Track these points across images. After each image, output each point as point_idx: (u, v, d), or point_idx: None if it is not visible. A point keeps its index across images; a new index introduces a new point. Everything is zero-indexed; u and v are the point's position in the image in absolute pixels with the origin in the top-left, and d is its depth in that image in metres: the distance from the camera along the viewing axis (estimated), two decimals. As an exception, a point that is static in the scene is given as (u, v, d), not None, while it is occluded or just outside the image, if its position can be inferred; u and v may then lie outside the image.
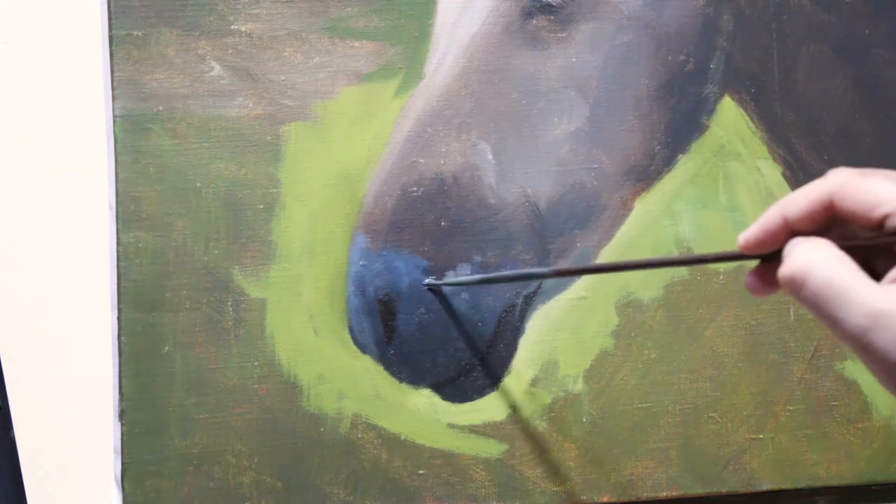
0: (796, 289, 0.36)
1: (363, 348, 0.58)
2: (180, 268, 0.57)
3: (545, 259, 0.60)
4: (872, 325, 0.34)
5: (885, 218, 0.36)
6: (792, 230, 0.38)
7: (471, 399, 0.59)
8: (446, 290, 0.59)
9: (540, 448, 0.60)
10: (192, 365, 0.57)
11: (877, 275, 0.37)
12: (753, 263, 0.41)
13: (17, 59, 0.59)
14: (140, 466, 0.56)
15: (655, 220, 0.61)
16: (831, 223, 0.38)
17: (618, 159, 0.61)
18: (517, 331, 0.60)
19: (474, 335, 0.59)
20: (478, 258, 0.59)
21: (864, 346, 0.35)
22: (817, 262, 0.36)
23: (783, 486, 0.62)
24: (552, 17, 0.60)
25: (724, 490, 0.61)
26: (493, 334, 0.60)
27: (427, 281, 0.59)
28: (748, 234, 0.39)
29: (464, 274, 0.59)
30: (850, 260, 0.36)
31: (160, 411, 0.56)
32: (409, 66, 0.59)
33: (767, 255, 0.40)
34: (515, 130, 0.60)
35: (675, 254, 0.61)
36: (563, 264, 0.60)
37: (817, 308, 0.36)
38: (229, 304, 0.57)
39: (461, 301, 0.59)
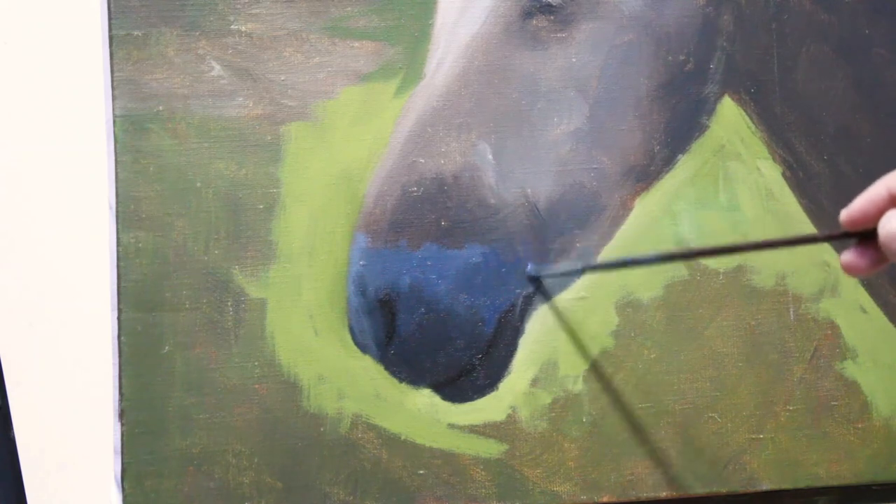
0: None
1: (363, 348, 0.58)
2: (180, 268, 0.57)
3: (545, 259, 0.60)
4: None
5: None
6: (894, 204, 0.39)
7: (471, 399, 0.59)
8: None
9: (540, 448, 0.60)
10: (192, 365, 0.57)
11: None
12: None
13: (17, 59, 0.59)
14: (140, 466, 0.56)
15: (655, 220, 0.61)
16: None
17: (618, 159, 0.61)
18: (517, 331, 0.60)
19: (474, 335, 0.59)
20: (477, 258, 0.59)
21: None
22: None
23: (783, 486, 0.62)
24: (552, 17, 0.60)
25: (724, 490, 0.61)
26: (493, 334, 0.60)
27: (529, 270, 0.58)
28: (852, 207, 0.41)
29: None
30: None
31: (160, 411, 0.56)
32: (409, 66, 0.59)
33: (863, 234, 0.40)
34: (515, 130, 0.60)
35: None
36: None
37: None
38: (229, 304, 0.57)
39: (460, 301, 0.59)
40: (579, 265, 0.59)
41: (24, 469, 0.58)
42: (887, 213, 0.39)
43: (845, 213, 0.41)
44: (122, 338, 0.56)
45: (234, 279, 0.57)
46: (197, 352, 0.57)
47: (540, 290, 0.59)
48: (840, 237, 0.42)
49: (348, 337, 0.58)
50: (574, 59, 0.61)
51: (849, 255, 0.41)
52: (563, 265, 0.59)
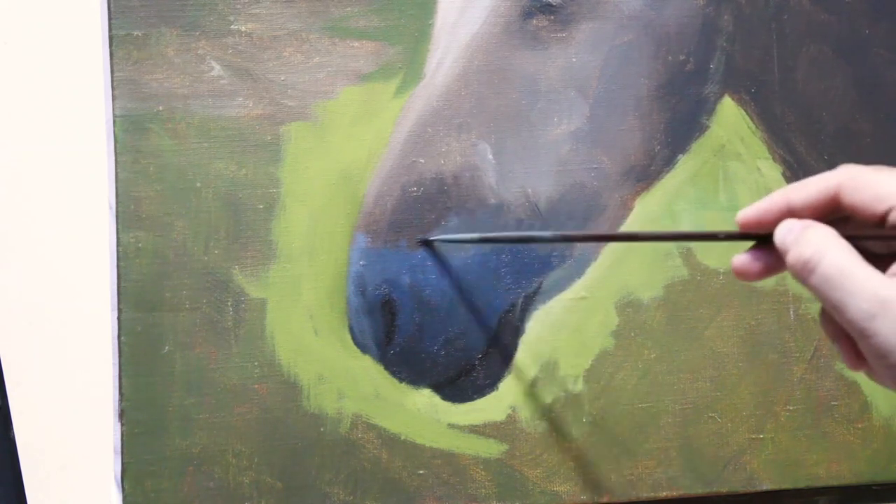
0: (807, 273, 0.38)
1: (363, 348, 0.58)
2: (180, 268, 0.57)
3: (546, 259, 0.60)
4: (879, 312, 0.36)
5: (889, 211, 0.37)
6: (792, 216, 0.40)
7: (471, 399, 0.59)
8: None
9: (540, 448, 0.60)
10: (192, 365, 0.57)
11: None
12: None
13: (17, 59, 0.59)
14: (140, 466, 0.56)
15: (655, 220, 0.61)
16: (831, 216, 0.39)
17: (618, 159, 0.61)
18: (517, 331, 0.60)
19: (474, 335, 0.59)
20: (477, 258, 0.59)
21: (867, 332, 0.36)
22: (829, 248, 0.37)
23: (783, 486, 0.62)
24: (552, 17, 0.60)
25: (724, 490, 0.61)
26: (493, 334, 0.60)
27: (421, 237, 0.58)
28: (748, 211, 0.41)
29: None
30: (854, 249, 0.37)
31: (160, 411, 0.56)
32: (409, 66, 0.59)
33: (761, 237, 0.40)
34: (515, 130, 0.60)
35: (675, 253, 0.61)
36: (572, 248, 0.60)
37: (825, 293, 0.37)
38: (229, 304, 0.57)
39: (462, 300, 0.59)
40: (476, 235, 0.58)
41: (24, 469, 0.58)
42: (784, 221, 0.39)
43: (741, 215, 0.41)
44: (122, 338, 0.56)
45: (234, 279, 0.57)
46: (197, 352, 0.57)
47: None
48: (739, 238, 0.41)
49: (348, 337, 0.58)
50: (574, 59, 0.61)
51: (741, 259, 0.41)
52: (460, 235, 0.59)
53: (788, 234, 0.39)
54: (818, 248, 0.37)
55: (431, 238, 0.58)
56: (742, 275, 0.41)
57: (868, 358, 0.37)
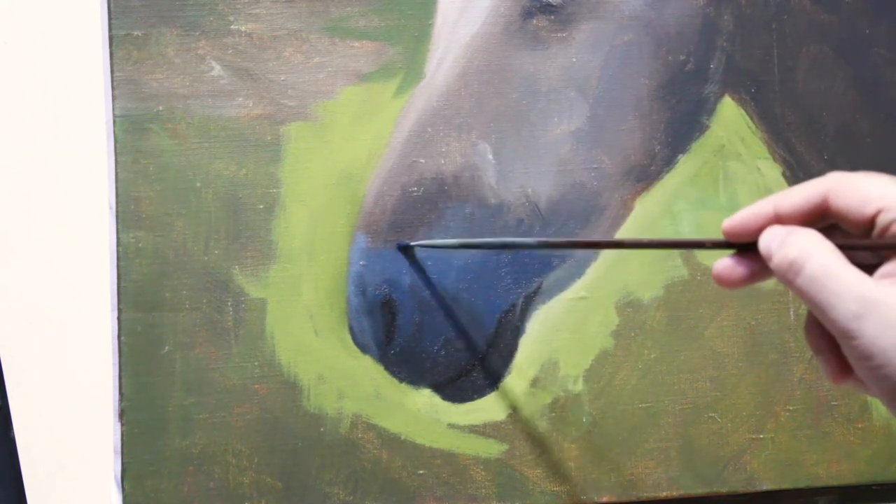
0: (793, 275, 0.37)
1: (363, 348, 0.58)
2: (180, 268, 0.57)
3: (546, 259, 0.60)
4: (864, 312, 0.35)
5: (877, 213, 0.37)
6: (779, 223, 0.39)
7: (471, 399, 0.59)
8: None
9: (540, 448, 0.60)
10: (192, 365, 0.57)
11: None
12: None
13: (17, 59, 0.59)
14: (140, 466, 0.56)
15: (655, 220, 0.61)
16: (818, 223, 0.39)
17: (618, 159, 0.61)
18: (517, 331, 0.60)
19: (474, 335, 0.59)
20: (477, 258, 0.59)
21: (852, 333, 0.36)
22: (815, 250, 0.37)
23: (783, 486, 0.62)
24: (552, 17, 0.60)
25: (724, 490, 0.61)
26: (493, 334, 0.60)
27: (401, 242, 0.58)
28: (734, 219, 0.40)
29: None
30: (840, 252, 0.37)
31: (160, 411, 0.56)
32: (409, 65, 0.59)
33: (744, 245, 0.40)
34: (515, 130, 0.60)
35: (675, 253, 0.61)
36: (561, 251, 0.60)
37: (811, 294, 0.37)
38: (229, 304, 0.57)
39: (462, 300, 0.59)
40: (456, 241, 0.58)
41: (24, 469, 0.58)
42: (769, 227, 0.39)
43: (727, 223, 0.40)
44: (122, 338, 0.56)
45: (234, 279, 0.57)
46: (197, 352, 0.57)
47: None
48: (725, 247, 0.41)
49: (348, 337, 0.58)
50: (574, 59, 0.61)
51: (722, 264, 0.41)
52: (440, 240, 0.58)
53: (773, 240, 0.39)
54: (804, 249, 0.37)
55: (412, 244, 0.58)
56: (723, 282, 0.41)
57: (852, 362, 0.37)
